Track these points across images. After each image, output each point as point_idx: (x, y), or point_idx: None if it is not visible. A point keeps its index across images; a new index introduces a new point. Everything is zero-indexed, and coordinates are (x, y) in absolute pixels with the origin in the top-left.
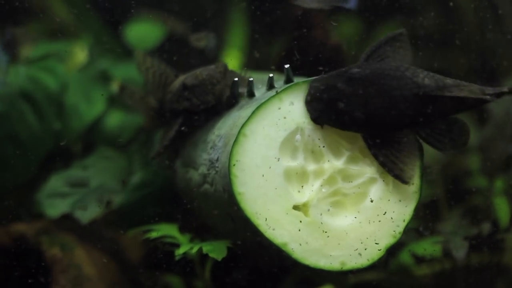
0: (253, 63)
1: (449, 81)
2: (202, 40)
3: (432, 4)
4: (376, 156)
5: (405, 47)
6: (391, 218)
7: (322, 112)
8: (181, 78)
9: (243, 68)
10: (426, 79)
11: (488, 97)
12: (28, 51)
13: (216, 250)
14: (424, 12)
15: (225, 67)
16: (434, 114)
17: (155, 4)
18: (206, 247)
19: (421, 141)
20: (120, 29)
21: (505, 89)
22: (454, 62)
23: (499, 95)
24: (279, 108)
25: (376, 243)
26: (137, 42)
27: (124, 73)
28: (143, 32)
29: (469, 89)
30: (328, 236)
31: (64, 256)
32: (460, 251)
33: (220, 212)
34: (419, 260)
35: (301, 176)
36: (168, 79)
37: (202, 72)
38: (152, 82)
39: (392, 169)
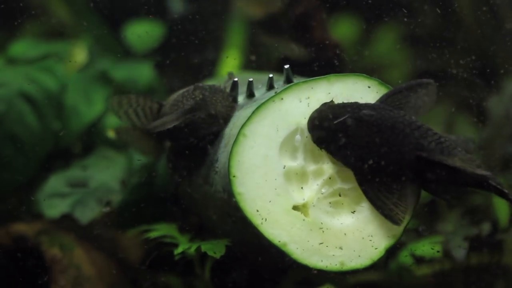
0: (252, 63)
1: (458, 152)
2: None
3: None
4: (365, 193)
5: (429, 97)
6: None
7: (322, 137)
8: (171, 102)
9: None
10: (433, 143)
11: (491, 183)
12: None
13: (214, 248)
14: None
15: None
16: (430, 178)
17: (155, 5)
18: (205, 246)
19: None
20: (120, 29)
21: (506, 191)
22: (454, 63)
23: (498, 191)
24: (279, 109)
25: (375, 244)
26: (137, 42)
27: (124, 73)
28: (143, 32)
29: (472, 166)
30: (327, 237)
31: (63, 256)
32: (460, 251)
33: (220, 212)
34: (419, 260)
35: (301, 177)
36: (154, 109)
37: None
38: (138, 120)
39: (381, 208)
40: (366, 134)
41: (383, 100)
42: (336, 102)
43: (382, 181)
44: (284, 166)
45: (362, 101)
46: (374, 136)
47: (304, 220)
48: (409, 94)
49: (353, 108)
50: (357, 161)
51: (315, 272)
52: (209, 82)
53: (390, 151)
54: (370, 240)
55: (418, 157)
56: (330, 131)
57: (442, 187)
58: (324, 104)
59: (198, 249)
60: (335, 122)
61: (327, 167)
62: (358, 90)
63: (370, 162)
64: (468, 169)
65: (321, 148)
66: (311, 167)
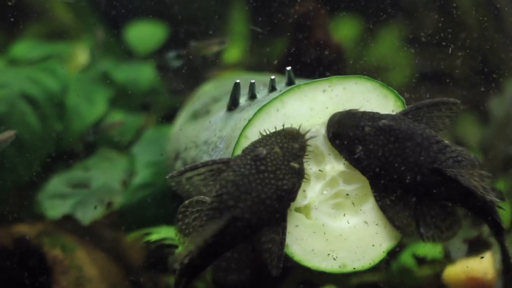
0: (253, 64)
1: (474, 173)
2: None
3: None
4: (377, 200)
5: (452, 118)
6: None
7: (339, 142)
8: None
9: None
10: (451, 159)
11: (497, 208)
12: None
13: None
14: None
15: None
16: (439, 193)
17: (155, 5)
18: None
19: None
20: (122, 30)
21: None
22: (454, 63)
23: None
24: (281, 111)
25: (377, 245)
26: (138, 43)
27: (125, 74)
28: (145, 33)
29: (485, 189)
30: (329, 238)
31: (65, 258)
32: (459, 253)
33: None
34: (420, 261)
35: None
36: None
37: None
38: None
39: (393, 219)
40: (384, 143)
41: (405, 112)
42: (338, 103)
43: (397, 194)
44: None
45: (363, 102)
46: (391, 146)
47: (305, 222)
48: (432, 110)
49: (374, 116)
50: (370, 170)
51: (317, 273)
52: (210, 83)
53: (406, 162)
54: (372, 242)
55: (432, 170)
56: (347, 138)
57: (431, 217)
58: (345, 110)
59: None
60: (354, 128)
61: (329, 169)
62: (360, 92)
63: (385, 171)
64: (478, 192)
65: (340, 152)
66: (313, 168)
